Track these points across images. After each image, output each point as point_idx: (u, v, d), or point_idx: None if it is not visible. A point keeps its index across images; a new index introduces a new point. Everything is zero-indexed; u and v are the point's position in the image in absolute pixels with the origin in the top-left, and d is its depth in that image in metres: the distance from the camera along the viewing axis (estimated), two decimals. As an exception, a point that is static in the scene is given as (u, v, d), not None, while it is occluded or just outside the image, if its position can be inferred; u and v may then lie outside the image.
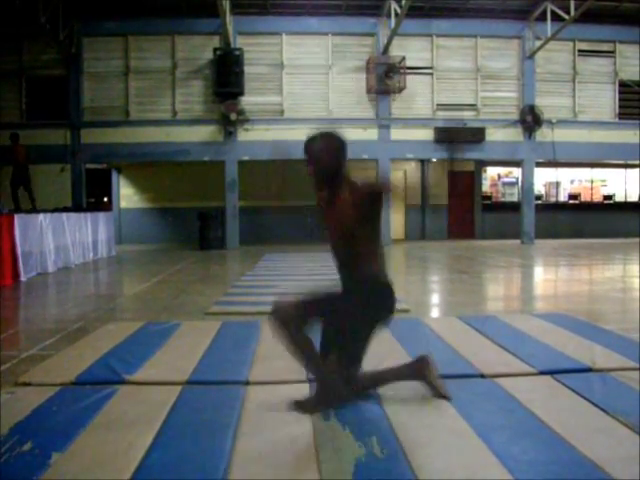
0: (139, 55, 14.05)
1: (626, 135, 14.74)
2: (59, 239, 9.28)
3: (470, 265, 9.99)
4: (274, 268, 9.16)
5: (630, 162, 16.13)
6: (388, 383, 2.84)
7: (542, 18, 13.79)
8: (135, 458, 2.13)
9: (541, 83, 14.82)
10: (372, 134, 14.19)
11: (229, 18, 13.30)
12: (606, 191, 17.59)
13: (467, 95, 14.73)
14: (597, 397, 2.72)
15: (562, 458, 2.13)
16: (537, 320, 4.67)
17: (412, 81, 14.29)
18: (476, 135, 14.43)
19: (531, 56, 14.56)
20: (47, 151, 13.41)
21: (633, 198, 17.52)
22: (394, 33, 13.36)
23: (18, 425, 2.44)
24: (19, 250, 7.76)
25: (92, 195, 15.60)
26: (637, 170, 17.02)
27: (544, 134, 14.68)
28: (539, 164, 15.25)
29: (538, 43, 14.30)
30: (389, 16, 13.37)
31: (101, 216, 11.89)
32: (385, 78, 14.00)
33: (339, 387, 2.66)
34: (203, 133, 14.02)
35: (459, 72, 14.67)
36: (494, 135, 14.56)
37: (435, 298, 6.73)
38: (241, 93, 13.76)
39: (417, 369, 2.81)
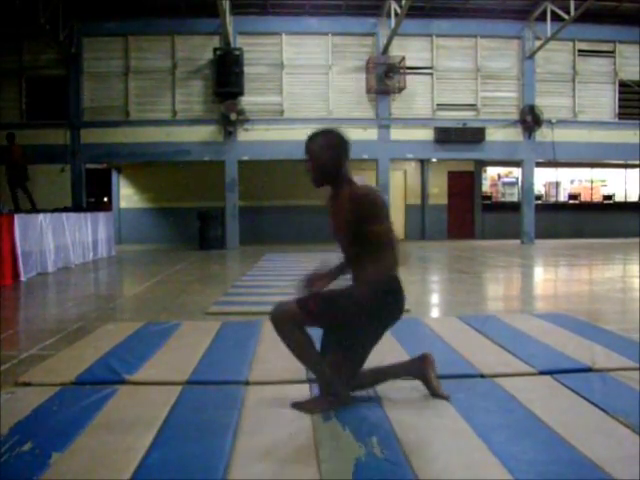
0: (139, 55, 14.06)
1: (626, 135, 14.75)
2: (59, 239, 9.28)
3: (470, 265, 9.99)
4: (274, 268, 9.16)
5: (630, 162, 16.14)
6: (388, 379, 2.83)
7: (542, 18, 13.79)
8: (135, 458, 2.13)
9: (541, 83, 14.82)
10: (372, 134, 14.20)
11: (229, 18, 13.31)
12: (606, 191, 17.59)
13: (467, 95, 14.74)
14: (597, 397, 2.72)
15: (562, 458, 2.13)
16: (537, 320, 4.67)
17: (412, 81, 14.29)
18: (476, 135, 14.44)
19: (531, 56, 14.56)
20: (47, 151, 13.42)
21: (633, 198, 17.53)
22: (394, 33, 13.37)
23: (18, 425, 2.44)
24: (19, 250, 7.76)
25: (92, 195, 15.60)
26: (637, 170, 17.02)
27: (544, 134, 14.68)
28: (539, 164, 15.26)
29: (538, 43, 14.30)
30: (389, 16, 13.38)
31: (101, 216, 11.89)
32: (385, 78, 14.00)
33: (339, 388, 2.66)
34: (203, 133, 14.02)
35: (459, 72, 14.68)
36: (494, 135, 14.57)
37: (435, 298, 6.73)
38: (241, 93, 13.76)
39: (418, 367, 2.81)
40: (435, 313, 5.75)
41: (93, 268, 9.99)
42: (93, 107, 13.99)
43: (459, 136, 14.30)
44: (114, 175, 16.29)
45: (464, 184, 16.93)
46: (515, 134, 14.74)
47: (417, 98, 14.54)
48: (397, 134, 14.27)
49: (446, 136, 14.32)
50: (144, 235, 15.97)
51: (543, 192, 17.34)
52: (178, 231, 15.77)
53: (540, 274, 9.31)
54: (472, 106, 14.70)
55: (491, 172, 17.38)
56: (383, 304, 2.58)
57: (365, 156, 13.56)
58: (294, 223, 15.79)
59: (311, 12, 14.09)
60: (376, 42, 14.33)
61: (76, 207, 12.40)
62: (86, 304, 6.11)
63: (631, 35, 14.60)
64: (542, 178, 16.94)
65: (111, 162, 15.36)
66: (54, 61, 13.84)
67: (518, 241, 14.98)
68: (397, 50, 14.16)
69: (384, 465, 2.09)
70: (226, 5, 12.59)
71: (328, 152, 2.64)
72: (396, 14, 13.01)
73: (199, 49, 14.11)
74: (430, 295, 6.73)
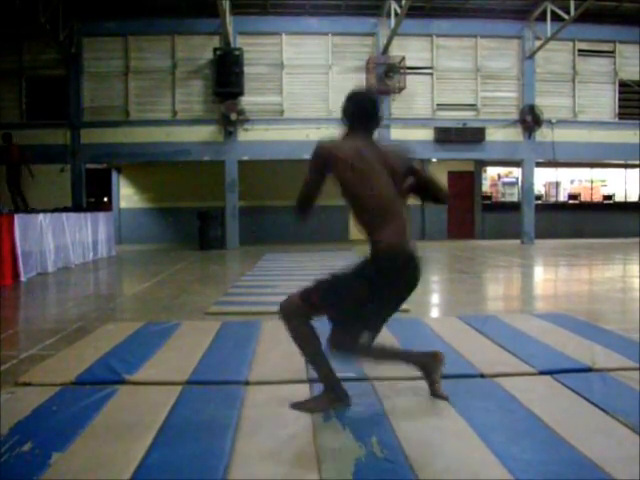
0: (139, 55, 14.06)
1: (626, 135, 14.74)
2: (59, 239, 9.27)
3: (470, 265, 9.99)
4: (274, 268, 9.17)
5: (630, 162, 16.13)
6: (395, 360, 2.80)
7: (542, 18, 13.79)
8: (135, 458, 2.13)
9: (541, 83, 14.82)
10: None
11: (229, 18, 13.30)
12: (606, 191, 17.59)
13: (467, 95, 14.74)
14: (597, 397, 2.72)
15: (562, 458, 2.13)
16: (537, 320, 4.67)
17: (412, 81, 14.29)
18: (476, 135, 14.44)
19: (531, 56, 14.56)
20: (47, 151, 13.41)
21: (633, 198, 17.52)
22: (394, 33, 13.37)
23: (18, 425, 2.44)
24: (19, 250, 7.76)
25: (92, 195, 15.60)
26: (637, 170, 17.02)
27: (544, 134, 14.68)
28: (539, 164, 15.26)
29: (538, 43, 14.30)
30: (389, 16, 13.38)
31: (101, 216, 11.89)
32: (385, 78, 14.00)
33: (340, 388, 2.66)
34: (203, 133, 14.02)
35: (459, 72, 14.68)
36: (494, 135, 14.57)
37: (435, 298, 6.73)
38: (241, 93, 13.76)
39: (427, 362, 2.77)
40: (435, 313, 5.75)
41: (93, 268, 9.99)
42: (93, 107, 13.99)
43: (459, 136, 14.31)
44: (114, 175, 16.29)
45: (464, 184, 16.92)
46: (515, 134, 14.74)
47: (417, 98, 14.54)
48: (397, 134, 14.26)
49: (446, 136, 14.32)
50: (144, 235, 15.97)
51: (543, 192, 17.33)
52: (178, 231, 15.77)
53: (540, 274, 9.31)
54: (472, 106, 14.70)
55: (491, 172, 17.38)
56: (378, 278, 2.48)
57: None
58: (294, 223, 15.75)
59: (311, 12, 14.09)
60: (376, 42, 14.33)
61: (76, 207, 12.40)
62: (86, 304, 6.12)
63: (631, 35, 14.60)
64: (542, 178, 16.93)
65: (111, 162, 15.35)
66: (54, 61, 13.83)
67: (518, 241, 14.98)
68: (397, 50, 14.16)
69: (384, 465, 2.09)
70: (226, 5, 12.58)
71: (345, 109, 2.71)
72: (396, 14, 13.01)
73: (199, 49, 14.11)
74: (430, 295, 6.73)
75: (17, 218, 7.94)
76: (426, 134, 14.36)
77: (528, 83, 14.66)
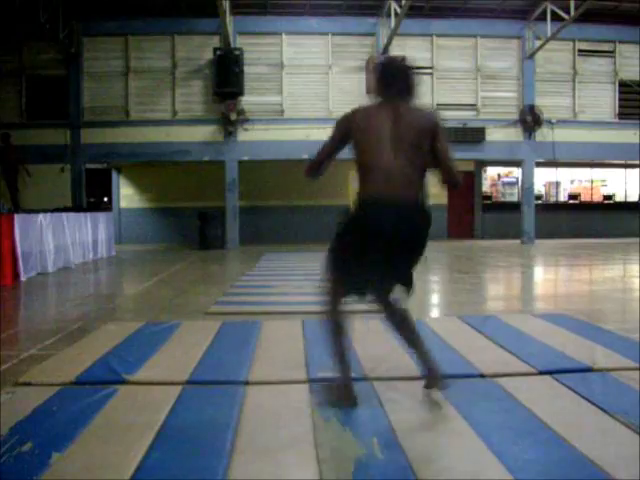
0: (139, 55, 14.06)
1: (626, 135, 14.75)
2: (59, 239, 9.27)
3: (470, 265, 9.99)
4: (274, 268, 9.17)
5: (630, 162, 16.13)
6: (417, 345, 2.80)
7: (542, 18, 13.79)
8: (135, 458, 2.13)
9: (541, 83, 14.82)
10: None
11: (229, 18, 13.30)
12: (606, 191, 17.59)
13: (467, 95, 14.74)
14: (597, 397, 2.72)
15: (562, 458, 2.13)
16: (537, 320, 4.67)
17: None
18: (476, 135, 14.44)
19: (531, 56, 14.56)
20: (47, 151, 13.43)
21: (633, 198, 17.52)
22: (394, 33, 13.37)
23: (18, 425, 2.44)
24: (19, 250, 7.76)
25: (92, 195, 15.62)
26: (637, 170, 17.02)
27: (544, 134, 14.68)
28: (539, 164, 15.26)
29: (538, 43, 14.30)
30: (389, 16, 13.38)
31: (101, 216, 11.89)
32: (385, 78, 13.98)
33: (350, 389, 2.67)
34: (203, 133, 14.02)
35: (459, 72, 14.68)
36: (494, 135, 14.57)
37: (435, 298, 6.73)
38: (241, 93, 13.76)
39: (432, 375, 2.77)
40: (435, 313, 5.74)
41: (93, 268, 9.99)
42: (93, 107, 14.00)
43: (459, 136, 14.28)
44: (114, 175, 16.29)
45: (464, 184, 16.89)
46: (515, 134, 14.74)
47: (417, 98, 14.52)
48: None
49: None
50: (144, 235, 15.97)
51: (543, 192, 17.33)
52: (178, 231, 15.77)
53: (540, 274, 9.31)
54: (472, 106, 14.70)
55: (491, 172, 17.38)
56: (357, 231, 2.62)
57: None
58: (294, 223, 15.80)
59: (311, 12, 14.09)
60: (376, 42, 14.33)
61: (76, 207, 12.41)
62: (86, 304, 6.11)
63: (631, 35, 14.61)
64: (542, 178, 16.93)
65: (111, 162, 15.36)
66: (54, 61, 13.83)
67: (518, 241, 14.98)
68: (397, 50, 14.15)
69: (384, 465, 2.09)
70: (226, 5, 12.59)
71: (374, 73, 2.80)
72: (396, 14, 13.01)
73: (199, 49, 14.11)
74: (430, 295, 6.73)
75: (17, 218, 7.94)
76: (426, 134, 14.34)
77: (528, 83, 14.67)
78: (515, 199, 16.78)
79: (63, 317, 5.27)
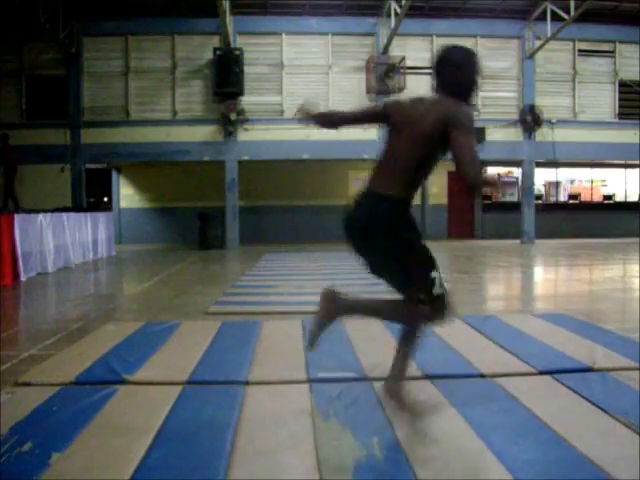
0: (139, 55, 14.06)
1: (626, 135, 14.75)
2: (59, 239, 9.27)
3: (470, 265, 9.99)
4: (274, 268, 9.16)
5: (630, 162, 16.13)
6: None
7: (542, 18, 13.79)
8: (135, 458, 2.13)
9: (541, 83, 14.82)
10: (372, 134, 14.17)
11: (229, 18, 13.30)
12: (606, 191, 17.59)
13: (467, 95, 14.71)
14: (597, 397, 2.72)
15: (562, 458, 2.13)
16: (537, 320, 4.67)
17: (412, 81, 14.28)
18: (476, 135, 14.41)
19: (531, 56, 14.56)
20: (47, 151, 13.43)
21: (633, 198, 17.52)
22: (394, 33, 13.37)
23: (18, 425, 2.44)
24: (19, 250, 7.76)
25: (92, 195, 15.62)
26: (637, 170, 17.02)
27: (544, 134, 14.68)
28: (539, 164, 15.26)
29: (538, 43, 14.30)
30: (389, 16, 13.38)
31: (101, 216, 11.89)
32: (385, 78, 14.00)
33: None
34: (203, 133, 14.02)
35: (459, 72, 14.66)
36: (494, 135, 14.56)
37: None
38: (241, 93, 13.76)
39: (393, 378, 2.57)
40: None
41: (93, 268, 9.99)
42: (93, 107, 13.99)
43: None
44: (114, 175, 16.29)
45: (464, 184, 16.90)
46: (515, 134, 14.74)
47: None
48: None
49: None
50: (144, 235, 15.97)
51: (543, 192, 17.33)
52: (178, 231, 15.77)
53: (540, 274, 9.31)
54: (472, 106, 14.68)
55: (491, 172, 17.35)
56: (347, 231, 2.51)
57: (365, 156, 13.55)
58: (294, 223, 15.80)
59: (311, 12, 14.09)
60: (376, 42, 14.33)
61: (76, 207, 12.41)
62: (86, 304, 6.11)
63: (631, 35, 14.61)
64: (542, 178, 16.94)
65: (111, 162, 15.36)
66: (54, 61, 13.83)
67: (518, 241, 14.98)
68: (397, 50, 14.16)
69: (384, 465, 2.09)
70: (226, 5, 12.58)
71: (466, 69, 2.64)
72: (396, 14, 13.01)
73: (199, 49, 14.11)
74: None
75: (17, 218, 7.94)
76: (426, 134, 14.34)
77: (528, 83, 14.67)
78: (515, 199, 16.77)
79: (63, 317, 5.27)
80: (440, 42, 14.56)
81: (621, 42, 14.95)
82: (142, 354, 3.59)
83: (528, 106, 14.43)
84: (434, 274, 2.41)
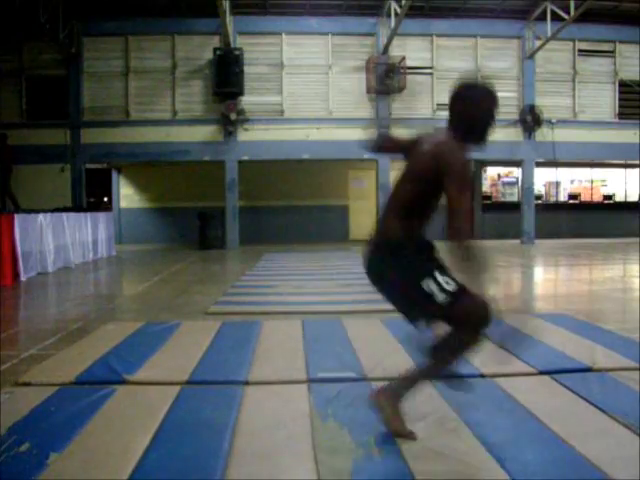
0: (139, 55, 14.05)
1: (626, 135, 14.74)
2: (59, 239, 9.27)
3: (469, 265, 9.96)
4: (274, 268, 9.16)
5: (630, 162, 16.13)
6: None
7: (542, 18, 13.77)
8: (134, 458, 2.13)
9: (541, 83, 14.81)
10: (372, 134, 14.20)
11: (229, 18, 13.30)
12: (606, 191, 17.58)
13: (467, 95, 14.71)
14: (597, 397, 2.72)
15: (562, 458, 2.13)
16: (537, 320, 4.67)
17: (412, 81, 14.29)
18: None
19: (531, 56, 14.55)
20: (47, 151, 13.43)
21: (633, 198, 17.51)
22: (394, 33, 13.36)
23: (16, 425, 2.44)
24: (19, 250, 7.76)
25: (92, 195, 15.62)
26: (637, 170, 17.01)
27: (544, 134, 14.67)
28: (539, 164, 15.25)
29: (538, 43, 14.29)
30: (389, 16, 13.37)
31: (101, 216, 11.89)
32: (385, 78, 13.99)
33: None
34: (203, 133, 14.02)
35: (459, 72, 14.64)
36: (494, 135, 14.43)
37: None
38: (241, 93, 13.75)
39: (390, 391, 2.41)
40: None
41: (93, 268, 9.99)
42: (93, 107, 13.99)
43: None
44: (114, 175, 16.29)
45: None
46: (515, 134, 14.73)
47: (417, 98, 14.53)
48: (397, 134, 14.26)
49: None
50: (144, 235, 15.97)
51: (543, 192, 17.33)
52: (178, 231, 15.76)
53: (540, 274, 9.31)
54: (472, 106, 14.68)
55: (491, 172, 17.37)
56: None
57: (365, 156, 13.55)
58: (294, 223, 15.79)
59: (311, 12, 14.08)
60: (376, 42, 14.32)
61: (76, 207, 12.41)
62: (86, 304, 6.11)
63: (631, 35, 14.59)
64: (542, 178, 16.93)
65: (111, 162, 15.36)
66: (54, 61, 13.82)
67: (518, 241, 14.97)
68: (397, 50, 14.15)
69: (384, 465, 2.09)
70: (226, 5, 12.58)
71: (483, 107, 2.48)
72: (396, 14, 13.00)
73: (199, 49, 14.10)
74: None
75: (17, 218, 7.94)
76: (426, 134, 14.34)
77: (528, 83, 14.66)
78: (515, 199, 16.76)
79: (63, 317, 5.27)
80: (440, 42, 14.59)
81: (621, 42, 14.94)
82: (142, 354, 3.59)
83: (528, 106, 14.42)
84: (424, 283, 2.41)
